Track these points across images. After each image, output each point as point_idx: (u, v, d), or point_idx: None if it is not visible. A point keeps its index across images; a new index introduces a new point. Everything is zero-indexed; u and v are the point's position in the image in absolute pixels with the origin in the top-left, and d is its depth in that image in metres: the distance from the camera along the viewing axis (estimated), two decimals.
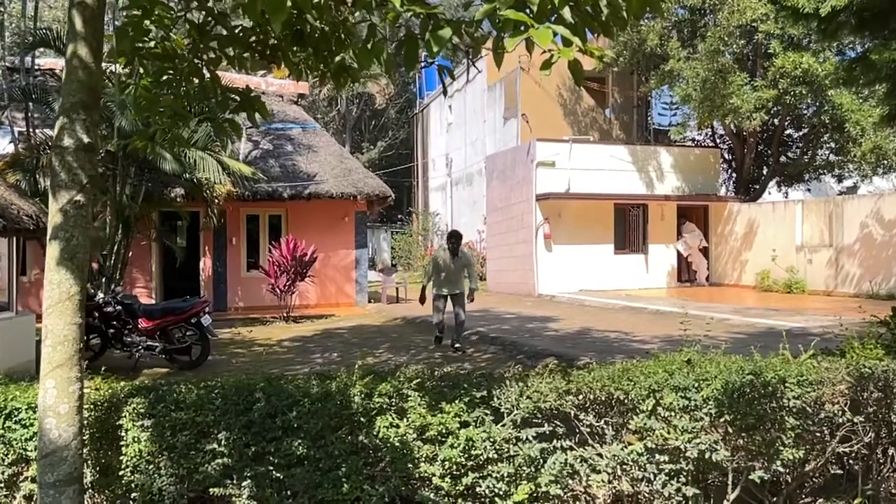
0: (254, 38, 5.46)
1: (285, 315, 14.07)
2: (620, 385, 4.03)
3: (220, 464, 4.06)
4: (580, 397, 4.06)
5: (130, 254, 12.88)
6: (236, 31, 5.35)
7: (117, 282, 12.37)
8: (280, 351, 10.84)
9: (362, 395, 4.09)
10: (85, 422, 4.29)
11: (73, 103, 3.80)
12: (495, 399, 4.08)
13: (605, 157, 19.25)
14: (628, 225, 19.58)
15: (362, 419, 4.04)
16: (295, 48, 5.30)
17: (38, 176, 11.94)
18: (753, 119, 17.20)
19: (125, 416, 4.15)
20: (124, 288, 13.47)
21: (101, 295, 9.54)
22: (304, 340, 11.71)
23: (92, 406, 4.25)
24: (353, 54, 5.40)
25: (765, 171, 22.51)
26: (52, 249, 3.78)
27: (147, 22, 4.87)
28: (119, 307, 9.33)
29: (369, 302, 16.91)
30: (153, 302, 13.77)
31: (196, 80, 5.38)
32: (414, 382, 4.18)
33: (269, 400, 4.10)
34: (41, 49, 12.75)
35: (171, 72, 5.25)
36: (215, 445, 4.03)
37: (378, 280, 19.00)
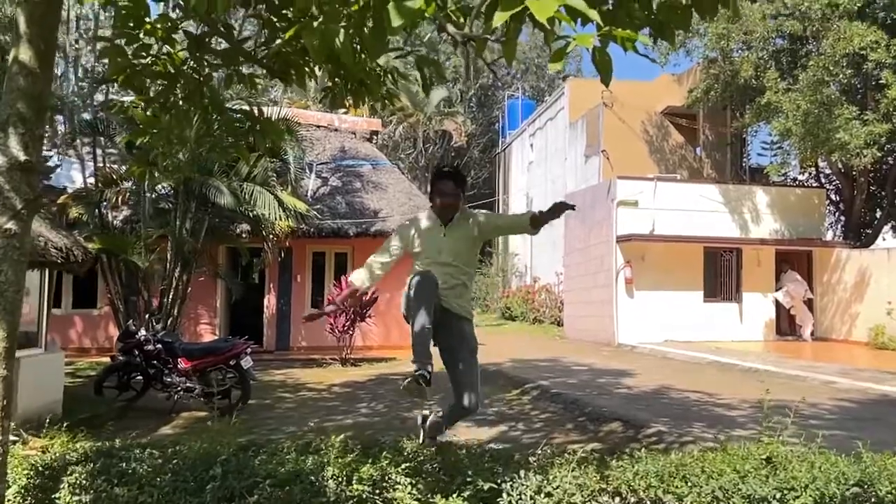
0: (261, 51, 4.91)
1: (343, 357, 13.46)
2: (672, 487, 3.00)
3: None
4: (617, 501, 3.05)
5: (190, 289, 12.67)
6: (242, 43, 4.80)
7: (175, 318, 12.15)
8: (327, 397, 10.18)
9: (338, 480, 3.25)
10: (21, 488, 3.67)
11: (10, 114, 3.25)
12: (505, 495, 3.14)
13: (694, 196, 17.85)
14: (720, 271, 17.97)
15: None
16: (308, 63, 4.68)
17: (101, 209, 11.97)
18: (864, 156, 15.43)
19: (63, 488, 3.47)
20: (182, 324, 13.28)
21: (142, 332, 9.18)
22: (355, 386, 11.01)
23: (31, 472, 3.61)
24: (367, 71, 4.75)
25: (878, 214, 20.33)
26: None
27: (141, 34, 4.36)
28: (159, 345, 8.93)
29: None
30: (216, 338, 13.47)
31: (202, 101, 4.87)
32: (404, 466, 3.30)
33: (226, 479, 3.32)
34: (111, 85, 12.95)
35: (174, 91, 4.73)
36: None
37: None
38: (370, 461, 3.33)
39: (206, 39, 4.58)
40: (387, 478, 3.27)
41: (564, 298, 21.22)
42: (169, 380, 8.89)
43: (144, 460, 3.58)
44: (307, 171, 14.75)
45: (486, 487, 3.16)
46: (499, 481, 3.18)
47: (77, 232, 11.07)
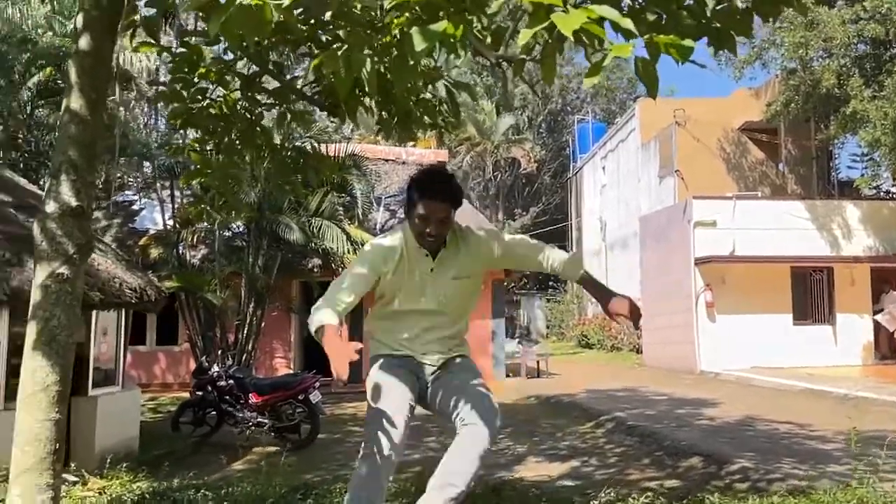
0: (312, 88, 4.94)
1: None
2: None
3: None
4: None
5: (264, 325, 12.92)
6: (292, 81, 4.85)
7: (250, 353, 12.40)
8: None
9: None
10: None
11: (62, 161, 3.34)
12: None
13: (777, 214, 16.98)
14: (809, 291, 16.95)
15: None
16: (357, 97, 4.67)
17: (178, 249, 12.42)
18: None
19: None
20: (258, 359, 13.54)
21: (215, 368, 9.37)
22: (424, 419, 10.82)
23: None
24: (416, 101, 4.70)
25: None
26: (29, 331, 3.24)
27: (196, 78, 4.46)
28: (231, 381, 9.09)
29: (507, 376, 15.80)
30: (286, 373, 13.65)
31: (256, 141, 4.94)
32: None
33: None
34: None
35: (229, 132, 4.81)
36: None
37: (518, 351, 17.84)
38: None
39: (257, 79, 4.65)
40: None
41: (642, 325, 20.50)
42: (241, 415, 9.00)
43: (197, 502, 3.54)
44: (375, 204, 14.90)
45: None
46: None
47: (156, 271, 11.52)
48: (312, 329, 2.60)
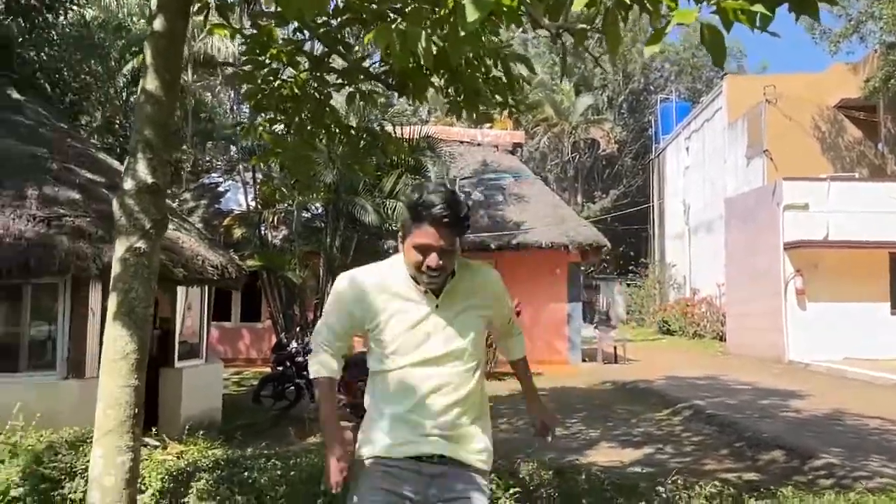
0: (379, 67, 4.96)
1: (487, 371, 13.37)
2: None
3: None
4: None
5: None
6: (361, 61, 4.88)
7: None
8: None
9: None
10: (156, 492, 3.88)
11: (139, 141, 3.48)
12: None
13: (876, 196, 15.93)
14: None
15: None
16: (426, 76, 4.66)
17: (260, 229, 12.83)
18: None
19: (192, 493, 3.63)
20: None
21: (293, 344, 9.66)
22: (496, 401, 10.84)
23: (165, 476, 3.82)
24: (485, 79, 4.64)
25: None
26: (111, 303, 3.42)
27: (267, 59, 4.56)
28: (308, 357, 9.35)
29: (583, 360, 15.58)
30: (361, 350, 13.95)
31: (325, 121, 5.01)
32: (514, 491, 3.09)
33: (335, 495, 3.31)
34: None
35: (299, 113, 4.90)
36: None
37: (595, 336, 17.55)
38: None
39: (326, 59, 4.71)
40: (496, 501, 3.09)
41: (727, 311, 19.77)
42: None
43: (266, 470, 3.66)
44: (448, 186, 14.92)
45: None
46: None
47: (239, 250, 11.96)
48: (311, 374, 2.32)
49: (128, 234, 3.40)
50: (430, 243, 2.07)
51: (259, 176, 12.97)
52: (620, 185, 35.46)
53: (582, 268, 17.69)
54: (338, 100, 6.66)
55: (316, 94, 4.75)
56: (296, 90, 4.71)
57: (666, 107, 31.33)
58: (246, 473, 3.60)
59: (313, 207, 12.94)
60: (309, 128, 4.88)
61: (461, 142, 17.53)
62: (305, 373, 9.32)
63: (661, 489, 3.15)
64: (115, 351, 3.34)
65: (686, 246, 26.39)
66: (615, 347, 16.25)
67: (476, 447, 2.23)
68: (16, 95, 8.51)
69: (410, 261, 2.12)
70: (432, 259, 2.07)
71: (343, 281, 2.27)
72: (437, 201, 2.09)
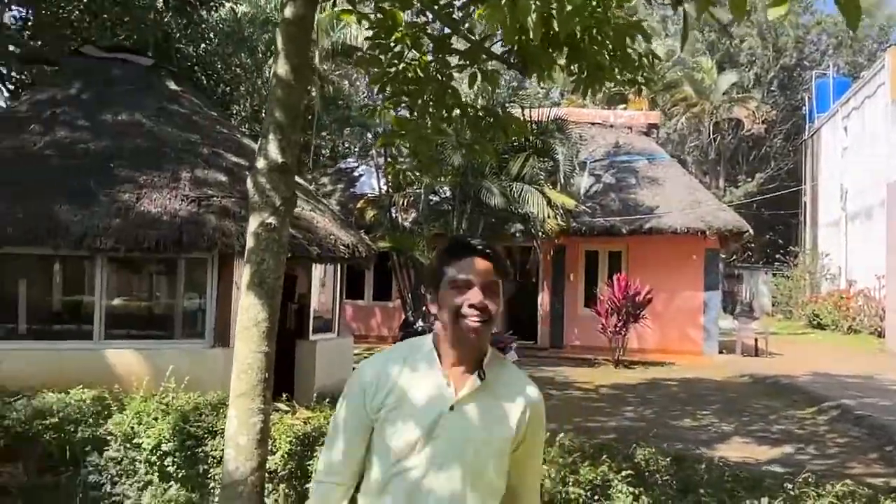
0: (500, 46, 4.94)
1: (616, 359, 13.08)
2: None
3: None
4: None
5: None
6: (483, 42, 4.89)
7: None
8: (594, 398, 9.97)
9: (555, 481, 3.10)
10: (285, 454, 4.14)
11: (270, 123, 3.70)
12: None
13: None
14: None
15: None
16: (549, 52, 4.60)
17: (391, 212, 13.23)
18: None
19: (316, 457, 3.85)
20: None
21: (420, 322, 9.93)
22: (624, 389, 10.60)
23: (294, 439, 4.06)
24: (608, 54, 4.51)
25: None
26: (244, 274, 3.67)
27: (392, 43, 4.69)
28: None
29: (720, 352, 14.82)
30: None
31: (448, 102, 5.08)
32: (626, 474, 3.02)
33: None
34: None
35: (422, 95, 5.00)
36: None
37: (734, 328, 16.60)
38: (590, 464, 3.12)
39: (448, 40, 4.76)
40: (608, 484, 3.03)
41: (887, 305, 18.02)
42: None
43: None
44: (579, 169, 14.62)
45: None
46: None
47: (371, 232, 12.42)
48: None
49: (260, 211, 3.63)
50: (471, 278, 1.71)
51: (397, 164, 13.37)
52: (767, 168, 33.10)
53: (722, 255, 16.81)
54: (461, 81, 6.72)
55: (438, 75, 4.82)
56: (419, 72, 4.80)
57: (822, 83, 28.83)
58: None
59: (441, 190, 13.16)
60: (431, 110, 4.97)
61: (593, 123, 17.11)
62: None
63: (788, 485, 2.95)
64: (247, 319, 3.59)
65: (842, 234, 24.27)
66: (756, 340, 15.29)
67: None
68: (173, 86, 9.29)
69: (448, 307, 1.71)
70: (476, 296, 1.69)
71: (360, 373, 1.82)
72: (469, 242, 1.82)
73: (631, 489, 2.95)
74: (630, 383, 11.16)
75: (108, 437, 4.55)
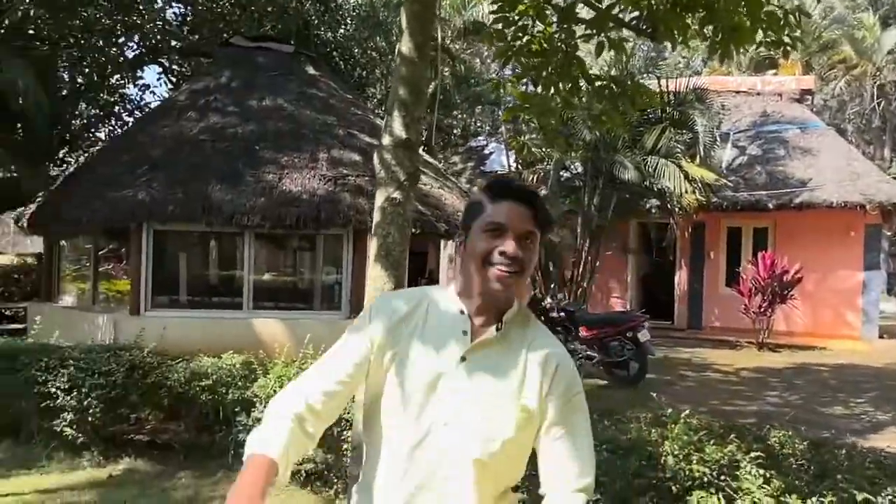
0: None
1: (760, 341, 12.34)
2: None
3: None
4: None
5: (599, 263, 13.12)
6: (610, 9, 4.75)
7: (584, 290, 12.76)
8: (733, 381, 9.50)
9: (678, 458, 3.02)
10: None
11: (394, 100, 3.81)
12: None
13: None
14: None
15: (672, 487, 2.97)
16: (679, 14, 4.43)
17: None
18: None
19: None
20: (594, 296, 13.85)
21: (548, 300, 9.87)
22: (767, 373, 10.00)
23: None
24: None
25: None
26: (371, 246, 3.85)
27: (515, 16, 4.68)
28: (562, 313, 9.50)
29: (880, 337, 13.56)
30: (616, 311, 13.75)
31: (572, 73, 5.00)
32: (755, 455, 2.87)
33: None
34: None
35: (546, 67, 4.96)
36: None
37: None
38: (716, 443, 3.00)
39: (574, 10, 4.66)
40: (735, 464, 2.91)
41: None
42: (571, 346, 9.38)
43: None
44: (720, 140, 13.80)
45: (859, 498, 2.55)
46: (877, 495, 2.53)
47: None
48: (245, 453, 1.44)
49: (385, 185, 3.77)
50: (507, 223, 1.51)
51: (521, 139, 13.31)
52: None
53: (886, 232, 15.32)
54: (588, 52, 6.54)
55: (563, 46, 4.74)
56: (543, 44, 4.75)
57: None
58: None
59: (572, 166, 12.93)
60: (555, 80, 4.90)
61: (737, 92, 16.05)
62: (559, 328, 9.51)
63: None
64: (374, 289, 3.76)
65: None
66: None
67: None
68: (312, 71, 9.78)
69: (478, 253, 1.52)
70: (509, 244, 1.50)
71: (371, 301, 1.66)
72: (513, 184, 1.65)
73: (761, 471, 2.81)
74: (775, 367, 10.50)
75: (255, 399, 4.93)
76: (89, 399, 5.02)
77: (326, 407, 1.52)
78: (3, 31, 9.48)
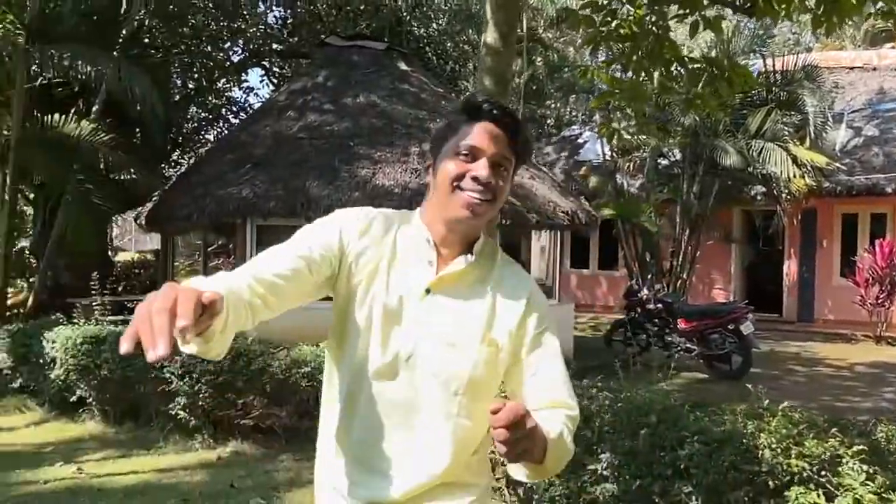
0: None
1: (878, 334, 11.54)
2: None
3: (606, 490, 3.51)
4: None
5: (699, 253, 12.66)
6: None
7: (684, 281, 12.36)
8: (847, 376, 8.96)
9: (775, 451, 2.90)
10: None
11: (479, 90, 3.85)
12: None
13: None
14: None
15: (770, 482, 2.86)
16: None
17: (616, 178, 12.90)
18: None
19: None
20: (695, 287, 13.37)
21: (645, 291, 9.63)
22: (885, 368, 9.36)
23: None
24: None
25: None
26: None
27: (604, 1, 4.63)
28: (659, 305, 9.24)
29: None
30: (718, 302, 13.22)
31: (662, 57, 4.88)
32: (859, 449, 2.72)
33: (658, 427, 3.32)
34: None
35: (636, 51, 4.87)
36: (598, 467, 3.50)
37: None
38: (816, 437, 2.87)
39: None
40: (838, 460, 2.77)
41: None
42: (669, 339, 9.12)
43: (596, 399, 3.84)
44: (833, 121, 12.95)
45: None
46: None
47: (595, 199, 12.25)
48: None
49: None
50: (483, 147, 1.39)
51: (615, 126, 13.00)
52: None
53: None
54: (682, 33, 6.32)
55: (654, 28, 4.63)
56: (633, 28, 4.65)
57: None
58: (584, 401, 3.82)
59: (670, 153, 12.52)
60: (646, 64, 4.79)
61: (851, 68, 15.01)
62: (656, 320, 9.27)
63: None
64: None
65: None
66: None
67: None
68: (404, 67, 9.96)
69: (447, 177, 1.40)
70: (483, 170, 1.37)
71: (361, 212, 1.50)
72: (492, 103, 1.45)
73: (864, 467, 2.66)
74: (893, 362, 9.82)
75: None
76: (200, 384, 5.35)
77: (277, 287, 1.33)
78: (121, 41, 10.20)
